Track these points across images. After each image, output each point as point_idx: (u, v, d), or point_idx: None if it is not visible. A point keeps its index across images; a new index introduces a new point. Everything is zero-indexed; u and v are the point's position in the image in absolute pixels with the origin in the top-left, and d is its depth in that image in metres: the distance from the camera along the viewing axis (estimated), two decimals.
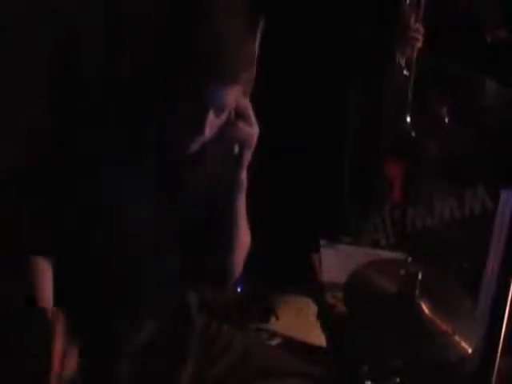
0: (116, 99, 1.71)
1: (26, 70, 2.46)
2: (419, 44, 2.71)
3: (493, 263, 2.12)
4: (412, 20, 2.70)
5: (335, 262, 2.30)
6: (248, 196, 1.76)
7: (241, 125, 1.64)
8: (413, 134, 2.74)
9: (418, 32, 2.70)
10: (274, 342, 2.57)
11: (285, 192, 2.97)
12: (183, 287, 1.84)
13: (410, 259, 1.89)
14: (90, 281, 1.70)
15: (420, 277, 1.78)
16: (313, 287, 2.36)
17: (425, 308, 1.78)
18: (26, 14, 2.42)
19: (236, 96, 1.58)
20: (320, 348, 2.36)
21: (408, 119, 2.74)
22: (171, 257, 1.76)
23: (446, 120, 2.79)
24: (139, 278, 1.73)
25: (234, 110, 1.63)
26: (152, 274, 1.74)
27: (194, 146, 1.62)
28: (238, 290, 2.89)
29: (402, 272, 1.84)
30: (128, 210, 1.66)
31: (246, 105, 1.65)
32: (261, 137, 1.65)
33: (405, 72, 2.73)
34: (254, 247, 1.82)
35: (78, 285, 1.70)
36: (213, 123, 1.59)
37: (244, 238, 1.79)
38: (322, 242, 2.41)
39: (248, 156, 1.67)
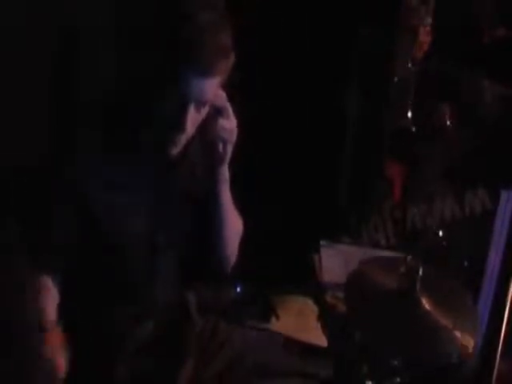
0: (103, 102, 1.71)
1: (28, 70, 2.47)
2: (426, 46, 2.71)
3: (493, 263, 2.12)
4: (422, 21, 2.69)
5: (335, 262, 2.29)
6: (248, 196, 1.76)
7: (221, 121, 1.63)
8: (413, 135, 2.74)
9: (427, 34, 2.69)
10: (274, 341, 2.57)
11: (285, 192, 2.97)
12: (183, 285, 1.84)
13: (409, 257, 1.89)
14: (89, 280, 1.70)
15: (421, 272, 1.78)
16: (313, 287, 2.36)
17: (425, 303, 1.78)
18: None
19: (214, 88, 1.57)
20: (320, 348, 2.36)
21: (409, 120, 2.74)
22: (169, 254, 1.76)
23: (447, 120, 2.79)
24: (138, 276, 1.73)
25: (213, 106, 1.62)
26: (151, 272, 1.74)
27: (177, 148, 1.60)
28: (238, 290, 2.89)
29: (403, 269, 1.84)
30: (119, 209, 1.66)
31: (223, 99, 1.64)
32: (260, 136, 1.65)
33: (409, 73, 2.73)
34: (255, 247, 1.82)
35: (78, 284, 1.71)
36: (194, 119, 1.57)
37: (234, 225, 1.80)
38: (322, 242, 2.40)
39: (230, 151, 1.67)
